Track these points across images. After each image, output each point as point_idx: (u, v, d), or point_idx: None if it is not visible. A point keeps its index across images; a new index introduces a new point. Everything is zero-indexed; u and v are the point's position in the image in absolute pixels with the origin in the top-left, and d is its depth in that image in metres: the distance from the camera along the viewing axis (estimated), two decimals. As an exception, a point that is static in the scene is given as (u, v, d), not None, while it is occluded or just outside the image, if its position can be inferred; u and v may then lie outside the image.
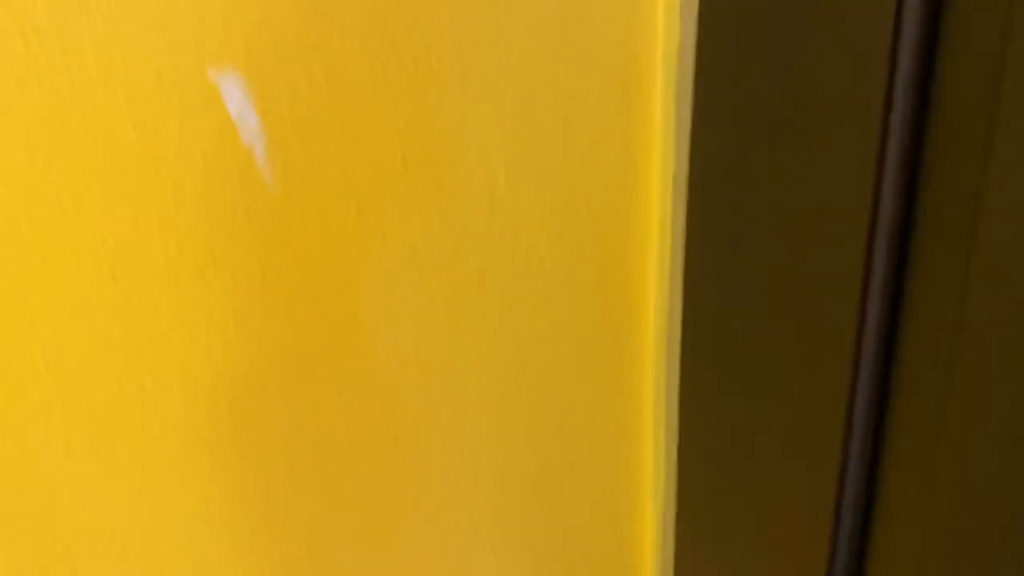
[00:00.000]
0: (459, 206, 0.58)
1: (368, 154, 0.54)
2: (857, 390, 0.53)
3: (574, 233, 0.61)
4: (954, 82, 0.44)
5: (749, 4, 0.53)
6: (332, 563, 0.64)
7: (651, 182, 0.62)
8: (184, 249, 0.52)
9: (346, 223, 0.55)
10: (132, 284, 0.52)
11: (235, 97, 0.50)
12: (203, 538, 0.60)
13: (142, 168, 0.49)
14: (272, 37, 0.50)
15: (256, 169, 0.52)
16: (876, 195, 0.48)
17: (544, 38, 0.56)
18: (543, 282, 0.62)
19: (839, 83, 0.48)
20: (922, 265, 0.48)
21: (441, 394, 0.62)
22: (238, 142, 0.51)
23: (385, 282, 0.58)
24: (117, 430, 0.55)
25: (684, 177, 0.60)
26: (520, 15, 0.55)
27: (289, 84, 0.51)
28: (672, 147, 0.59)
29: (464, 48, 0.54)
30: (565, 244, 0.61)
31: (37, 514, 0.56)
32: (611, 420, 0.68)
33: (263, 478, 0.60)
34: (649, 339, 0.67)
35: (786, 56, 0.51)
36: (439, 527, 0.67)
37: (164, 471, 0.57)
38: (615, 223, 0.62)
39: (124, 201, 0.50)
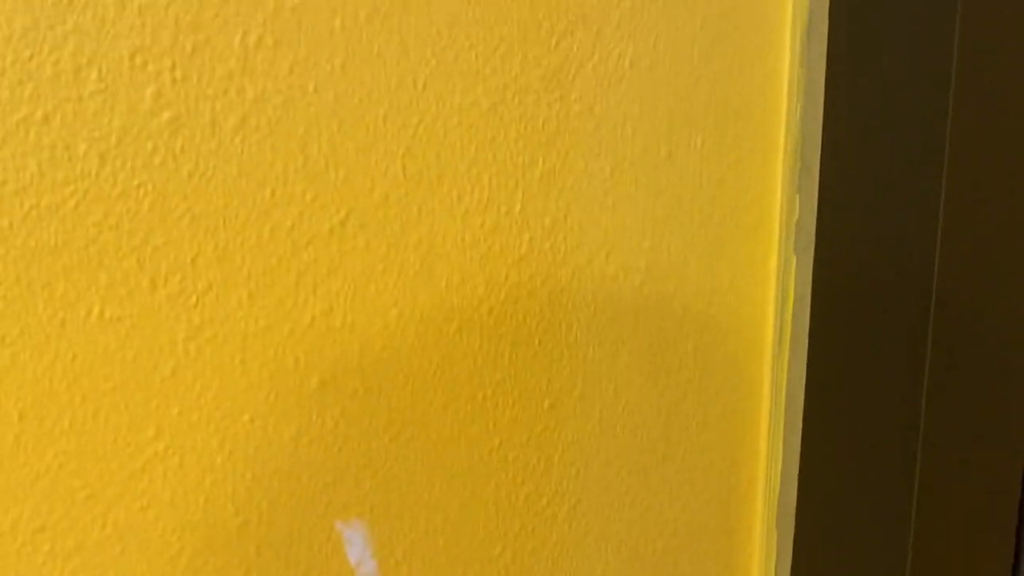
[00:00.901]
0: (558, 633, 0.57)
1: (474, 587, 0.54)
2: None
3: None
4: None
5: (855, 394, 0.55)
6: None
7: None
8: None
9: (447, 656, 0.54)
10: None
11: (356, 545, 0.50)
12: None
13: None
14: (398, 488, 0.51)
15: (366, 609, 0.51)
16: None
17: (651, 474, 0.57)
18: None
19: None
20: None
21: None
22: (354, 587, 0.51)
23: None
24: None
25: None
26: (620, 424, 0.56)
27: (409, 529, 0.51)
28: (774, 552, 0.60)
29: (571, 487, 0.55)
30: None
31: None
32: None
33: None
34: None
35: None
36: None
37: None
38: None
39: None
